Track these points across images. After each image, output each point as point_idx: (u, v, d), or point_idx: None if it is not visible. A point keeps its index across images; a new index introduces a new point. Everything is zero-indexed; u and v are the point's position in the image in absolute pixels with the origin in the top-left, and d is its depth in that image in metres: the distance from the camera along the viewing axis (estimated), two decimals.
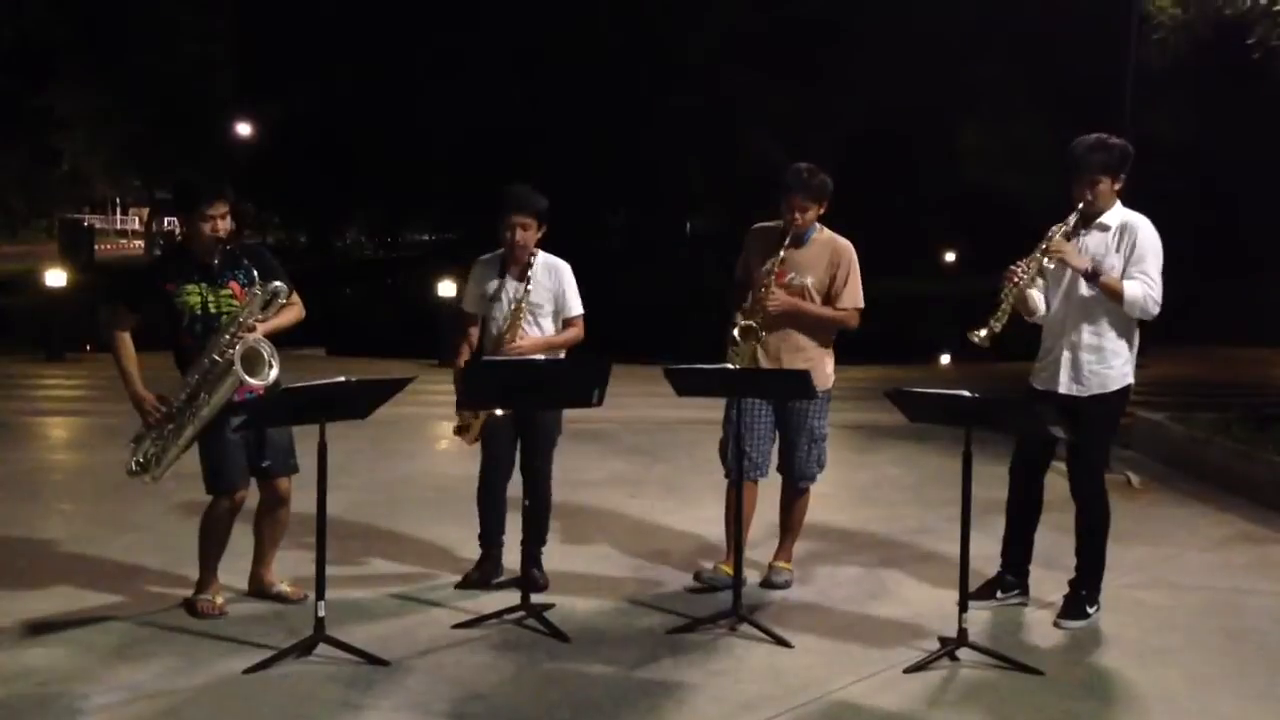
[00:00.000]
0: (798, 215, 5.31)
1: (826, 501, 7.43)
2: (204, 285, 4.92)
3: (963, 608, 4.67)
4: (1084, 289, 4.99)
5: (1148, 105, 11.77)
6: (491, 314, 5.44)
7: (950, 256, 44.11)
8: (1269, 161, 20.73)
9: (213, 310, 4.91)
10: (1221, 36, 9.41)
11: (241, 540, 5.29)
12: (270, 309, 4.94)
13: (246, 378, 4.73)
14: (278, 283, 4.93)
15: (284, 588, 5.22)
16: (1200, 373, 16.88)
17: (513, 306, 5.34)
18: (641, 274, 32.96)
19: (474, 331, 5.53)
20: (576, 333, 5.52)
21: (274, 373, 4.82)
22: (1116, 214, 5.02)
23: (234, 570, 5.28)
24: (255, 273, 4.93)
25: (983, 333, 4.87)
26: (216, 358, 4.80)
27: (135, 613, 5.02)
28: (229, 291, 4.94)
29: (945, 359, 21.84)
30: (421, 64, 35.79)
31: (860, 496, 7.73)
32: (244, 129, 38.11)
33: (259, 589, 5.25)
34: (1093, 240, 5.02)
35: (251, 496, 5.17)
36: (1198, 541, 6.69)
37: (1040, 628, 5.10)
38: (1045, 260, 4.96)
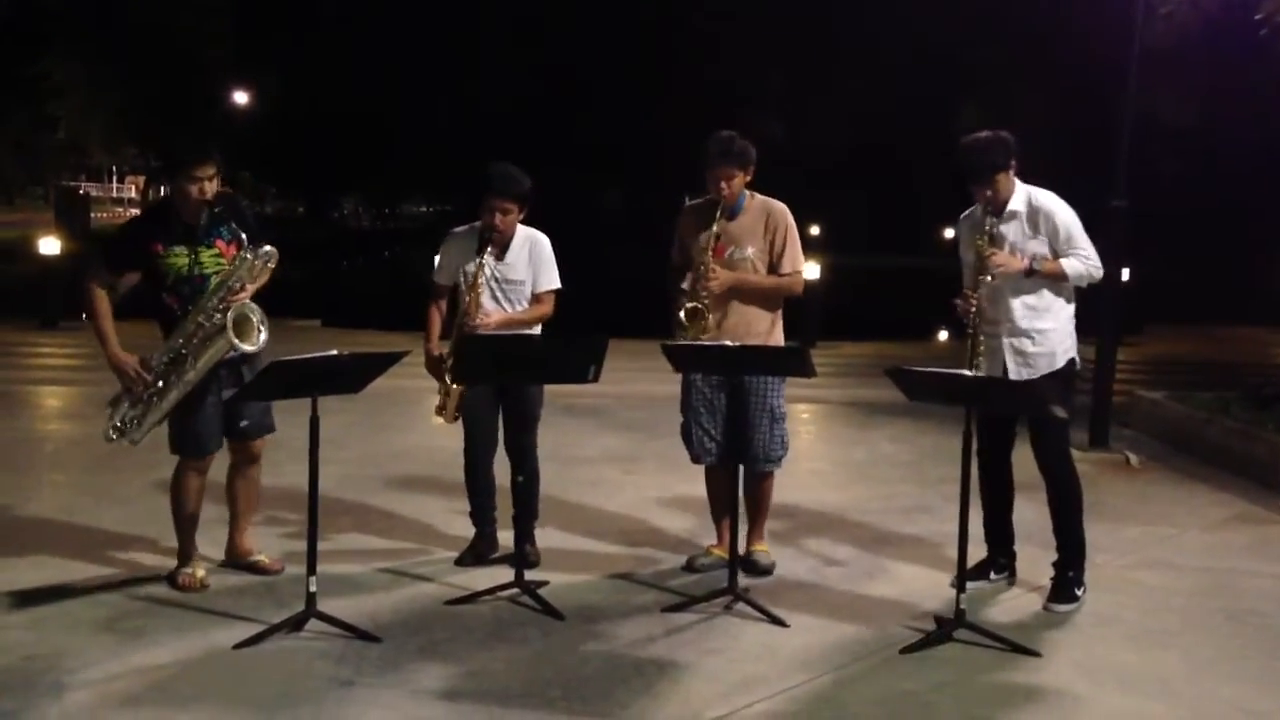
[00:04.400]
0: (724, 185, 5.18)
1: (823, 478, 7.41)
2: (190, 247, 4.84)
3: (960, 588, 4.63)
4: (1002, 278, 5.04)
5: (1153, 84, 11.66)
6: (464, 288, 5.31)
7: (950, 233, 44.01)
8: (1274, 140, 20.61)
9: (198, 272, 4.83)
10: (1229, 13, 9.30)
11: (217, 510, 5.22)
12: (260, 273, 4.87)
13: (238, 342, 4.66)
14: (269, 247, 4.85)
15: (261, 558, 5.16)
16: (1200, 352, 16.83)
17: (478, 281, 5.21)
18: (640, 249, 32.82)
19: (443, 304, 5.40)
20: (544, 309, 5.37)
21: (263, 338, 4.75)
22: (1020, 196, 5.10)
23: (216, 542, 5.23)
24: (243, 235, 4.85)
25: (972, 372, 4.95)
26: (203, 321, 4.73)
27: (124, 585, 4.97)
28: (215, 251, 4.87)
29: (943, 335, 21.79)
30: (420, 35, 35.54)
31: (856, 474, 7.69)
32: (241, 98, 37.87)
33: (235, 558, 5.20)
34: (1010, 231, 5.09)
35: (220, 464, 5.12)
36: (1197, 521, 6.65)
37: (1037, 609, 5.05)
38: (990, 279, 5.03)
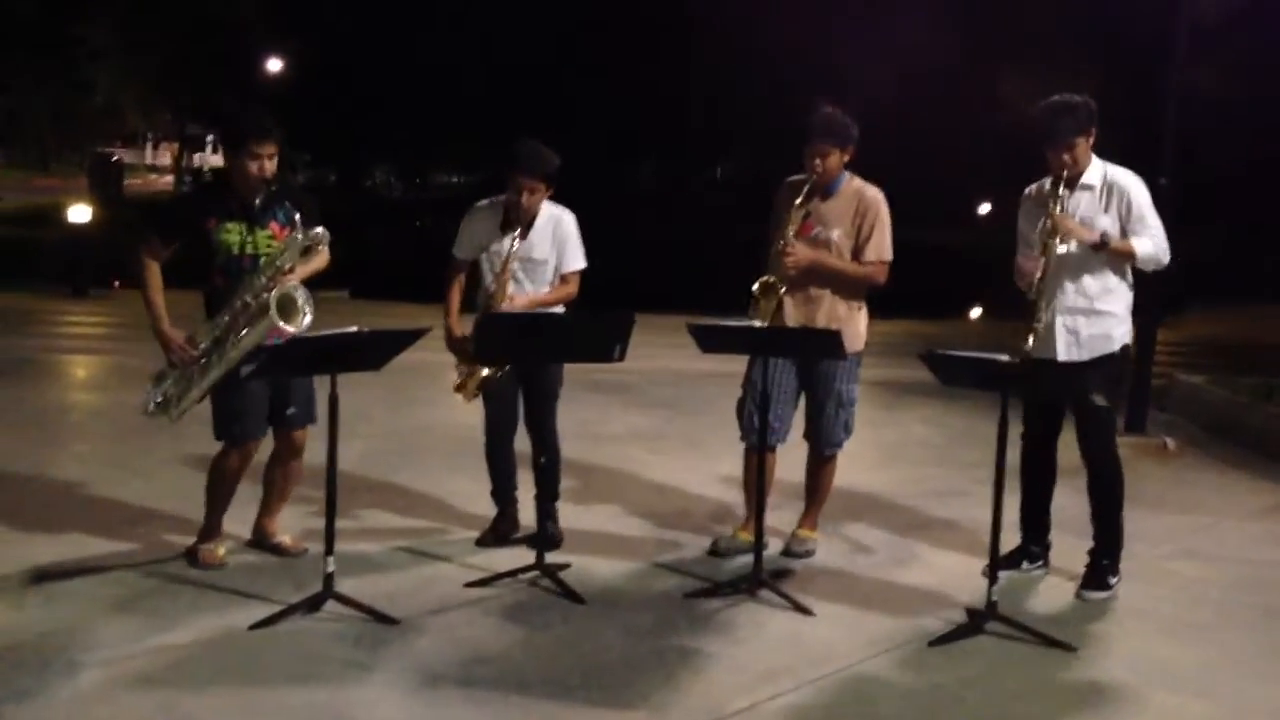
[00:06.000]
0: (819, 162, 5.03)
1: (852, 461, 7.23)
2: (245, 225, 4.75)
3: (992, 579, 4.50)
4: (1072, 247, 4.84)
5: (1199, 58, 11.38)
6: (488, 267, 5.22)
7: (985, 209, 43.56)
8: None
9: (250, 251, 4.74)
10: None
11: (245, 488, 5.16)
12: (309, 255, 4.79)
13: (281, 323, 4.57)
14: (320, 229, 4.76)
15: (284, 539, 5.11)
16: (1244, 334, 16.54)
17: (504, 262, 5.11)
18: (671, 222, 32.66)
19: (462, 279, 5.30)
20: (569, 290, 5.26)
21: (308, 319, 4.65)
22: (1096, 170, 4.90)
23: (238, 519, 5.17)
24: (297, 215, 4.77)
25: (1031, 340, 4.78)
26: (249, 300, 4.65)
27: (142, 561, 4.92)
28: (269, 232, 4.78)
29: (975, 313, 21.54)
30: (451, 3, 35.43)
31: (887, 456, 7.55)
32: (275, 65, 37.87)
33: (259, 538, 5.14)
34: (1081, 204, 4.89)
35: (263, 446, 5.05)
36: (1235, 511, 6.49)
37: (1071, 601, 4.93)
38: (1057, 244, 4.81)
